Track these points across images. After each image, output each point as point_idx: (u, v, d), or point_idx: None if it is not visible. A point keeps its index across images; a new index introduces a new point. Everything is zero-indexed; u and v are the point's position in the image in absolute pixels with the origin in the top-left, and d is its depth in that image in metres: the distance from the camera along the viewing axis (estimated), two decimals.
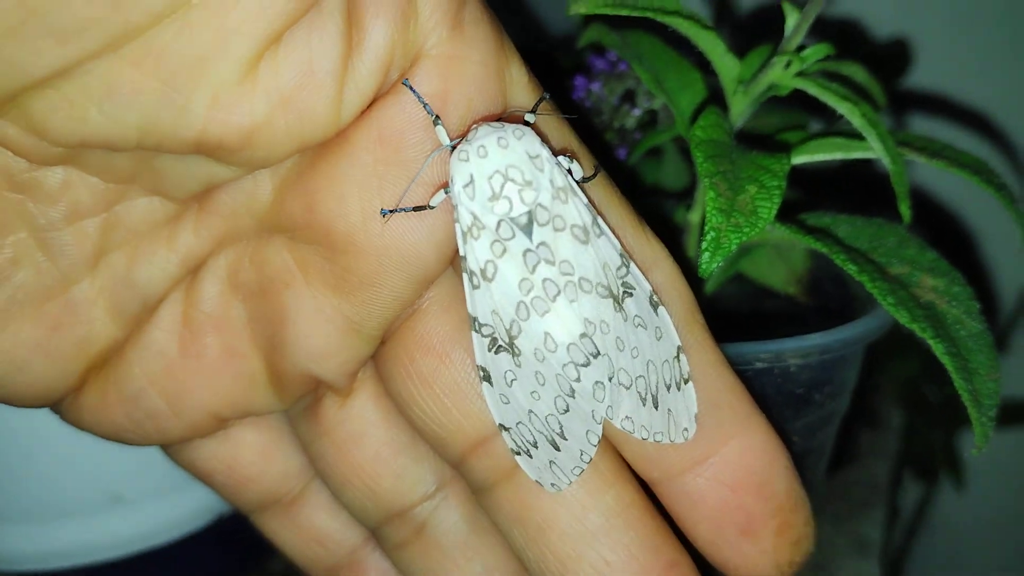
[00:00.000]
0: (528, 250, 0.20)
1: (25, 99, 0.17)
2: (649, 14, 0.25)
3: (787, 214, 0.27)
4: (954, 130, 0.54)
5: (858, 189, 0.37)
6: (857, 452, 0.45)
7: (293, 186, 0.20)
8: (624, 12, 0.25)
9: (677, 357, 0.21)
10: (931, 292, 0.25)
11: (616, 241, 0.21)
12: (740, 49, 0.28)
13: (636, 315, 0.21)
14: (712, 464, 0.22)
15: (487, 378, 0.21)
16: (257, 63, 0.17)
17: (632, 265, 0.21)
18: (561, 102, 0.22)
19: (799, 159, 0.27)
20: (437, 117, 0.19)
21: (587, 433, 0.22)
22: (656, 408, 0.21)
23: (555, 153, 0.21)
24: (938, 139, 0.27)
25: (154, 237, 0.21)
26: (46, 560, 0.33)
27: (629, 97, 0.34)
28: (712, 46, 0.27)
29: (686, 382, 0.22)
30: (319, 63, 0.18)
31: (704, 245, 0.22)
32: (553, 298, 0.21)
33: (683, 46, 0.28)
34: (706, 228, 0.22)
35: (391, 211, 0.20)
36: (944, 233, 0.56)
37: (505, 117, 0.20)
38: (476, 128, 0.19)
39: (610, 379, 0.21)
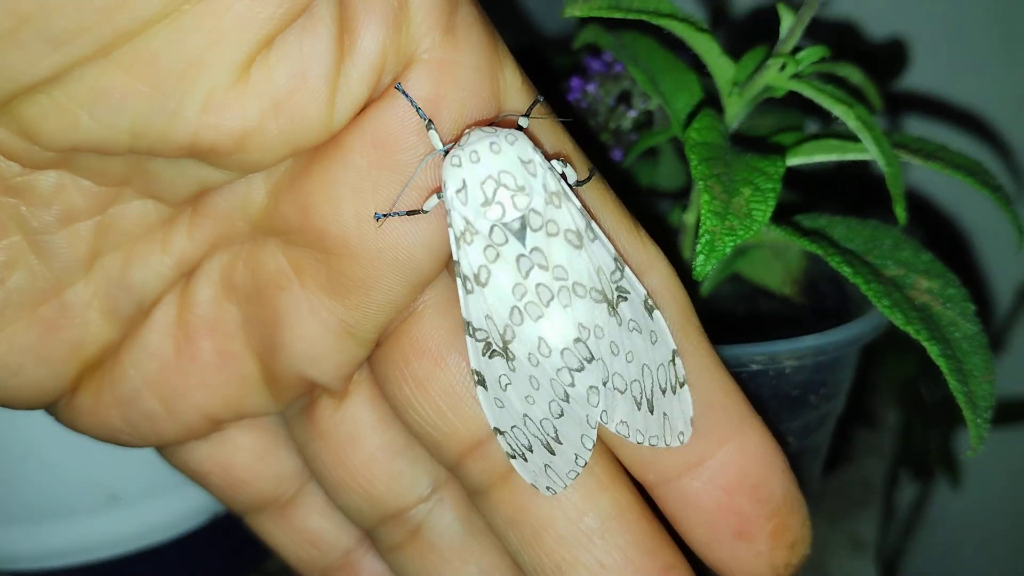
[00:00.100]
0: (521, 255, 0.20)
1: (17, 104, 0.17)
2: (644, 17, 0.25)
3: (783, 216, 0.27)
4: (950, 132, 0.54)
5: (853, 191, 0.37)
6: (853, 451, 0.45)
7: (287, 190, 0.20)
8: (619, 14, 0.25)
9: (672, 361, 0.21)
10: (926, 294, 0.25)
11: (610, 245, 0.21)
12: (735, 51, 0.28)
13: (631, 319, 0.21)
14: (708, 467, 0.22)
15: (482, 382, 0.21)
16: (249, 67, 0.17)
17: (626, 269, 0.21)
18: (556, 104, 0.22)
19: (794, 161, 0.27)
20: (430, 121, 0.19)
21: (582, 437, 0.22)
22: (651, 412, 0.21)
23: (548, 157, 0.20)
24: (934, 141, 0.27)
25: (148, 240, 0.21)
26: (42, 559, 0.33)
27: (625, 98, 0.34)
28: (707, 48, 0.27)
29: (681, 386, 0.22)
30: (311, 67, 0.18)
31: (699, 248, 0.22)
32: (547, 303, 0.21)
33: (679, 47, 0.28)
34: (700, 231, 0.22)
35: (385, 215, 0.20)
36: (940, 235, 0.56)
37: (499, 121, 0.20)
38: (469, 133, 0.19)
39: (604, 384, 0.21)
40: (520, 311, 0.21)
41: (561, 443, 0.21)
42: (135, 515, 0.34)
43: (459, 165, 0.19)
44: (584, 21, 0.31)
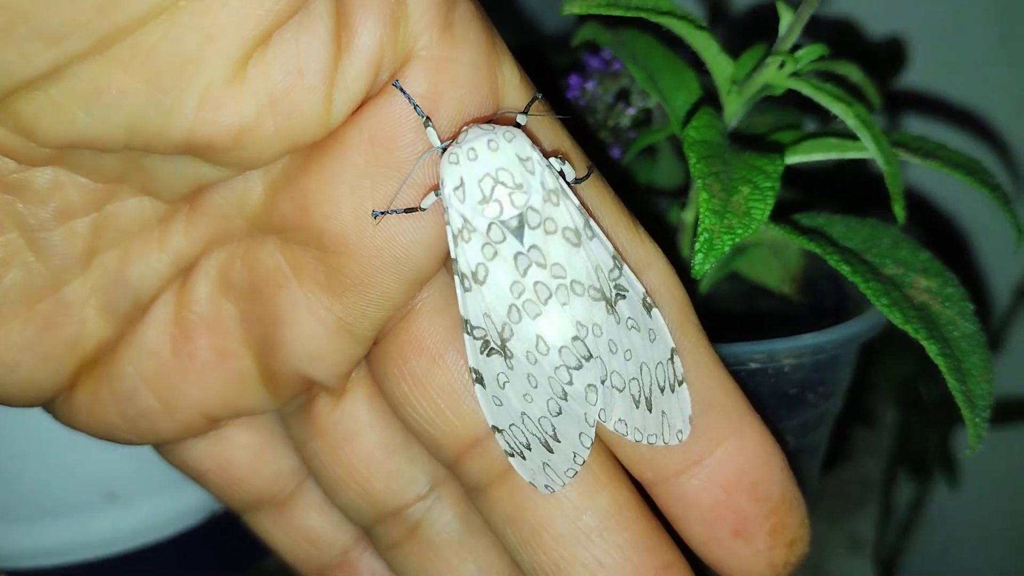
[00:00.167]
0: (519, 253, 0.20)
1: (12, 101, 0.17)
2: (643, 14, 0.25)
3: (781, 214, 0.27)
4: (948, 130, 0.54)
5: (852, 189, 0.37)
6: (851, 450, 0.45)
7: (284, 187, 0.20)
8: (618, 12, 0.25)
9: (671, 359, 0.21)
10: (925, 293, 0.25)
11: (608, 243, 0.21)
12: (734, 49, 0.28)
13: (629, 317, 0.21)
14: (706, 465, 0.22)
15: (480, 380, 0.21)
16: (245, 64, 0.17)
17: (625, 267, 0.21)
18: (555, 102, 0.22)
19: (793, 159, 0.27)
20: (428, 119, 0.19)
21: (580, 435, 0.22)
22: (650, 410, 0.21)
23: (547, 155, 0.20)
24: (932, 139, 0.27)
25: (145, 237, 0.21)
26: (40, 557, 0.33)
27: (623, 96, 0.34)
28: (706, 46, 0.27)
29: (680, 384, 0.22)
30: (308, 64, 0.18)
31: (697, 246, 0.22)
32: (544, 301, 0.21)
33: (677, 45, 0.28)
34: (699, 229, 0.22)
35: (383, 213, 0.20)
36: (938, 233, 0.56)
37: (497, 118, 0.20)
38: (467, 130, 0.19)
39: (603, 382, 0.21)
40: (518, 309, 0.21)
41: (559, 441, 0.21)
42: (133, 513, 0.34)
43: (457, 163, 0.19)
44: (582, 18, 0.31)
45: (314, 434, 0.24)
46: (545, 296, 0.21)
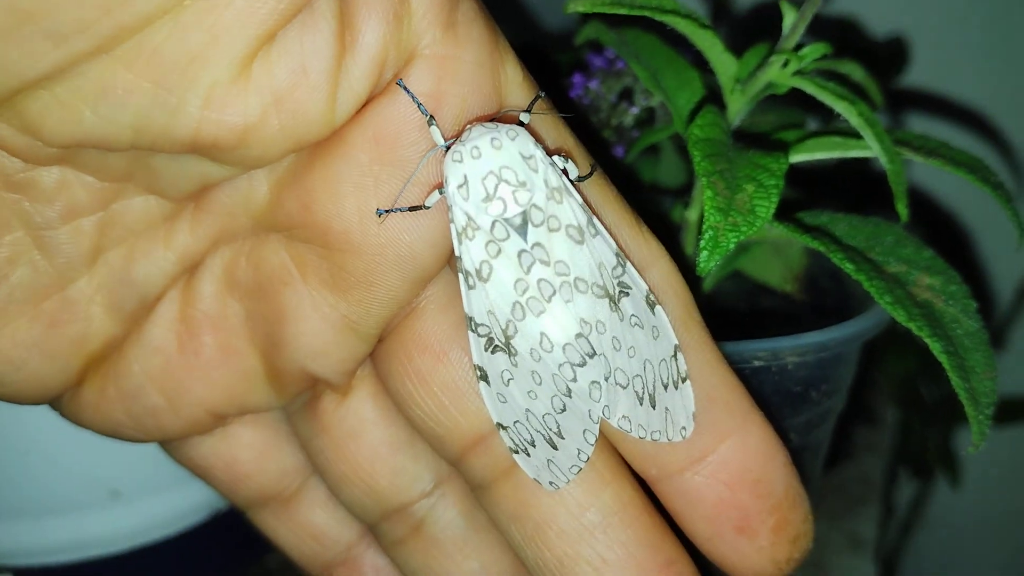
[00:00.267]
0: (523, 251, 0.20)
1: (19, 100, 0.17)
2: (647, 12, 0.25)
3: (784, 212, 0.27)
4: (951, 128, 0.54)
5: (855, 188, 0.37)
6: (853, 449, 0.45)
7: (289, 185, 0.20)
8: (622, 11, 0.25)
9: (674, 356, 0.21)
10: (928, 291, 0.25)
11: (612, 241, 0.21)
12: (738, 48, 0.28)
13: (632, 314, 0.21)
14: (710, 462, 0.22)
15: (484, 377, 0.21)
16: (250, 63, 0.17)
17: (628, 264, 0.21)
18: (558, 100, 0.22)
19: (796, 158, 0.27)
20: (431, 117, 0.19)
21: (584, 432, 0.22)
22: (653, 407, 0.22)
23: (550, 153, 0.21)
24: (935, 137, 0.27)
25: (151, 235, 0.21)
26: (44, 555, 0.33)
27: (627, 95, 0.34)
28: (710, 45, 0.27)
29: (683, 381, 0.22)
30: (312, 63, 0.18)
31: (702, 244, 0.22)
32: (548, 298, 0.21)
33: (681, 44, 0.28)
34: (704, 227, 0.22)
35: (387, 211, 0.20)
36: (941, 231, 0.56)
37: (500, 116, 0.20)
38: (470, 128, 0.19)
39: (606, 379, 0.21)
40: (522, 306, 0.21)
41: (563, 438, 0.22)
42: (136, 511, 0.34)
43: (460, 161, 0.19)
44: (586, 17, 0.31)
45: (319, 431, 0.24)
46: (549, 293, 0.21)
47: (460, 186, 0.20)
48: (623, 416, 0.22)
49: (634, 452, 0.23)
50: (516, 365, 0.21)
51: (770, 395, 0.28)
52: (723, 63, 0.27)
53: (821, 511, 0.40)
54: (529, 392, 0.21)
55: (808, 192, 0.33)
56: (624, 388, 0.22)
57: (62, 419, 0.24)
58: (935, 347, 0.23)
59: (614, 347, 0.21)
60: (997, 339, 0.58)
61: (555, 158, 0.20)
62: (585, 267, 0.21)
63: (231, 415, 0.24)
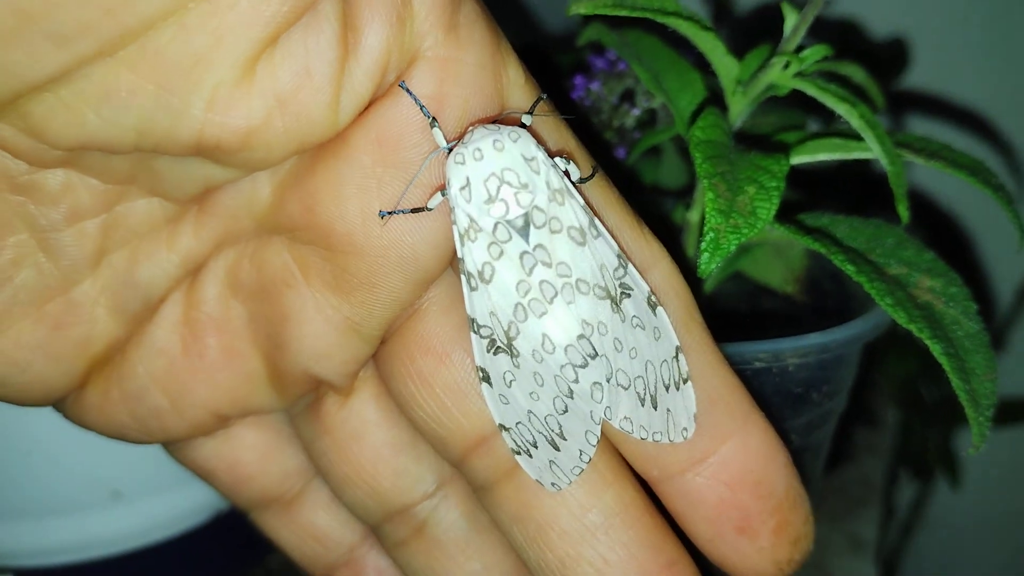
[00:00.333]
0: (525, 252, 0.20)
1: (23, 103, 0.17)
2: (648, 15, 0.25)
3: (785, 214, 0.27)
4: (952, 131, 0.54)
5: (856, 190, 0.37)
6: (853, 450, 0.45)
7: (292, 187, 0.20)
8: (624, 13, 0.25)
9: (676, 357, 0.22)
10: (928, 293, 0.25)
11: (613, 242, 0.21)
12: (739, 49, 0.28)
13: (634, 316, 0.21)
14: (711, 463, 0.22)
15: (486, 379, 0.21)
16: (254, 65, 0.17)
17: (630, 266, 0.21)
18: (560, 102, 0.22)
19: (798, 159, 0.27)
20: (434, 119, 0.19)
21: (586, 433, 0.22)
22: (655, 408, 0.22)
23: (552, 154, 0.21)
24: (936, 140, 0.27)
25: (154, 238, 0.21)
26: (46, 556, 0.33)
27: (628, 96, 0.34)
28: (711, 46, 0.27)
29: (685, 382, 0.22)
30: (315, 65, 0.18)
31: (703, 246, 0.22)
32: (550, 300, 0.21)
33: (682, 46, 0.28)
34: (705, 229, 0.22)
35: (390, 212, 0.20)
36: (942, 233, 0.56)
37: (502, 118, 0.20)
38: (473, 130, 0.19)
39: (608, 380, 0.21)
40: (524, 308, 0.21)
41: (565, 439, 0.22)
42: (138, 512, 0.34)
43: (463, 162, 0.19)
44: (588, 19, 0.31)
45: (322, 433, 0.24)
46: (551, 295, 0.21)
47: (462, 188, 0.20)
48: (625, 417, 0.22)
49: (635, 453, 0.23)
50: (518, 366, 0.21)
51: (771, 396, 0.28)
52: (725, 65, 0.27)
53: (822, 512, 0.40)
54: (531, 393, 0.21)
55: (809, 194, 0.33)
56: (626, 389, 0.22)
57: (64, 420, 0.24)
58: (936, 349, 0.23)
59: (616, 348, 0.21)
60: (997, 341, 0.58)
61: (557, 160, 0.20)
62: (587, 268, 0.21)
63: (234, 417, 0.24)
